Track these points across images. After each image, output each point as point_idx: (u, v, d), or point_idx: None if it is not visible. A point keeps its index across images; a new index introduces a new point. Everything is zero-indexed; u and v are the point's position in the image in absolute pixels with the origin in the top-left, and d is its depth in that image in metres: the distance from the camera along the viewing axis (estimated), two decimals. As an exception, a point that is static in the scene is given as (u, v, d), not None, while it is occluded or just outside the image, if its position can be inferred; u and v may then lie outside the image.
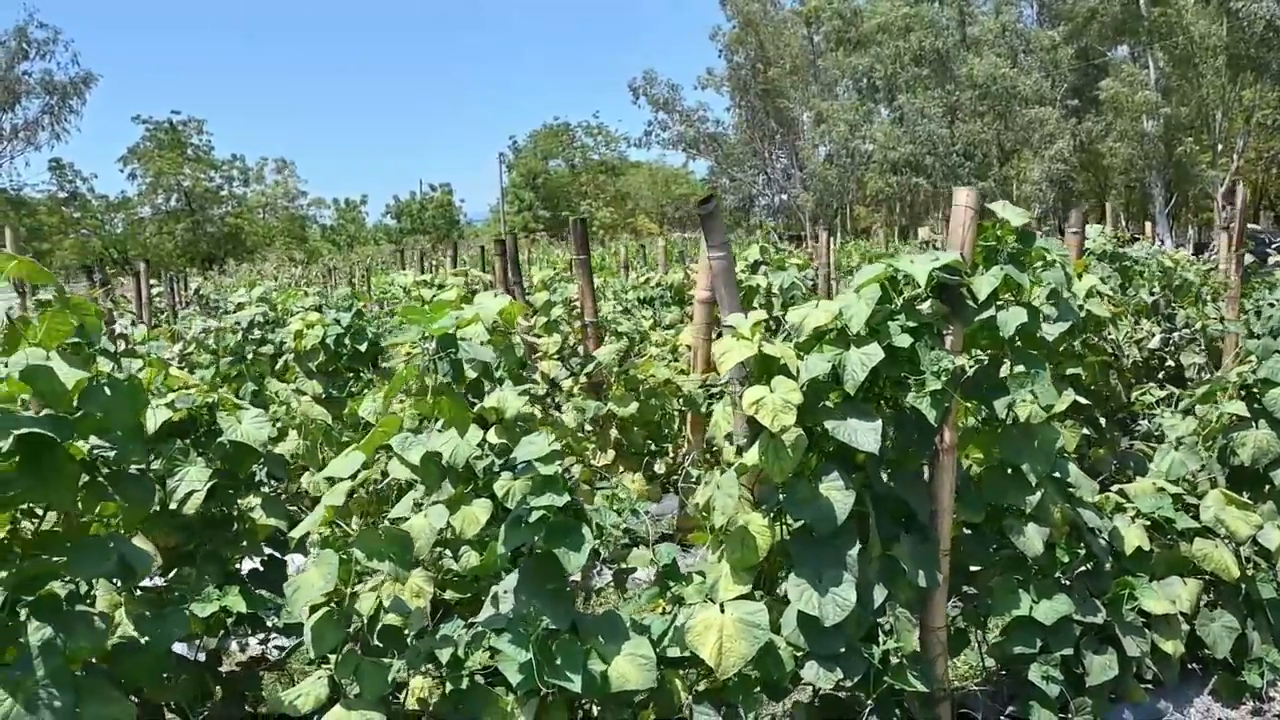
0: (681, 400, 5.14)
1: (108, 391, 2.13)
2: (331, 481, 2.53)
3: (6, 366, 2.00)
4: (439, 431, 2.65)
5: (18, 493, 1.95)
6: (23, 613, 2.08)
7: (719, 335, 5.69)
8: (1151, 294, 6.01)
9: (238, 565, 3.23)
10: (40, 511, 2.21)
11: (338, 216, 68.54)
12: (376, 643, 2.59)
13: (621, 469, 5.12)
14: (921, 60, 36.91)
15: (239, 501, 3.16)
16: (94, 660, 2.26)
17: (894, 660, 2.83)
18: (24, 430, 1.96)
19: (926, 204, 44.69)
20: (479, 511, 2.97)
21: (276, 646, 3.45)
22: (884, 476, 2.94)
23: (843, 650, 2.76)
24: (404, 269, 15.22)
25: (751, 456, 2.71)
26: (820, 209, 51.91)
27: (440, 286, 8.22)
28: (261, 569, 3.26)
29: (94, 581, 2.26)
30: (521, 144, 72.87)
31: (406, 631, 2.61)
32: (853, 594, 2.69)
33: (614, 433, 5.17)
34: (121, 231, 57.90)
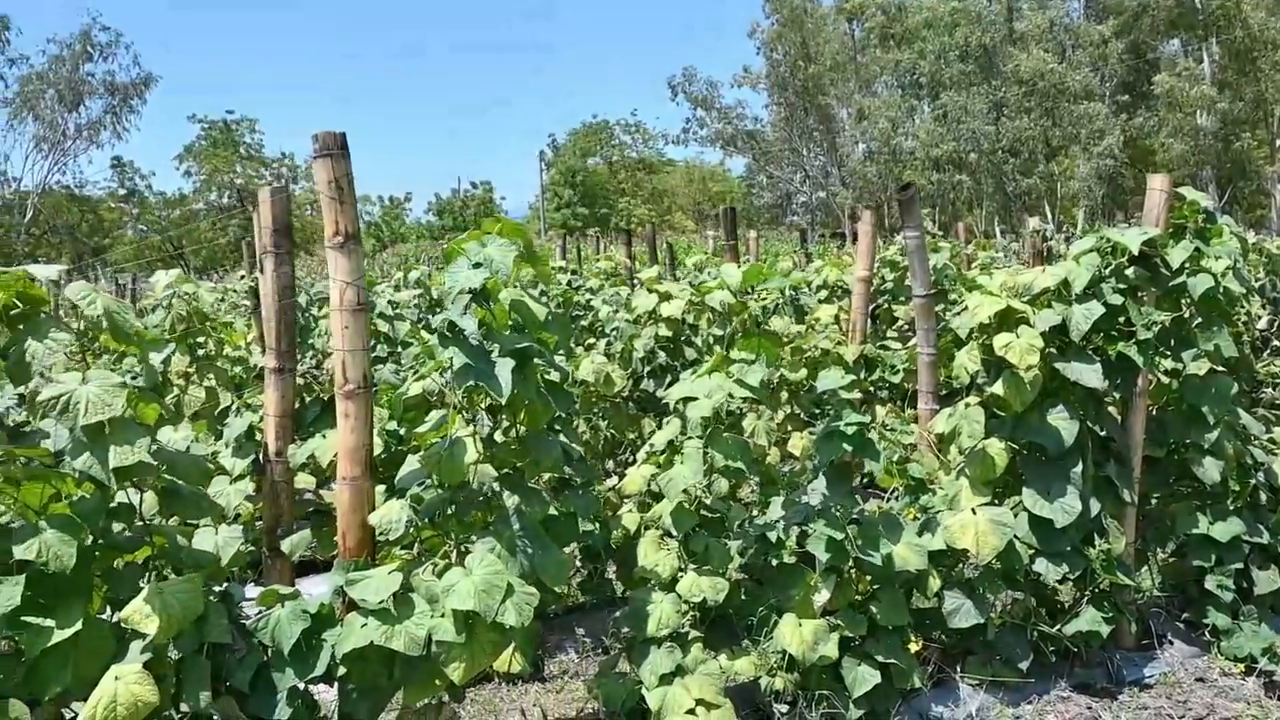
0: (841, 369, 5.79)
1: (553, 322, 2.85)
2: (683, 401, 3.24)
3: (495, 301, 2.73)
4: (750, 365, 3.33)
5: (514, 393, 2.66)
6: (497, 487, 2.80)
7: (877, 309, 6.37)
8: (1257, 279, 6.61)
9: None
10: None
11: (382, 213, 69.46)
12: (700, 530, 3.29)
13: (790, 428, 5.79)
14: (967, 56, 37.11)
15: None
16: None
17: (1104, 561, 3.49)
18: (520, 345, 2.68)
19: (969, 200, 44.86)
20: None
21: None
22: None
23: (1067, 549, 3.43)
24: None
25: (997, 389, 3.38)
26: (859, 206, 52.05)
27: (575, 271, 8.96)
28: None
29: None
30: (561, 142, 73.70)
31: (724, 522, 3.32)
32: (1079, 503, 3.36)
33: (783, 395, 5.84)
34: (178, 229, 59.15)
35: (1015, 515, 3.46)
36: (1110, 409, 3.74)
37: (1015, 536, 3.41)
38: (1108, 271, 3.50)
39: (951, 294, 5.75)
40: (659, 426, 5.41)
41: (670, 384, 5.41)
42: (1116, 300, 3.43)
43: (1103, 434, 3.62)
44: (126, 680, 2.39)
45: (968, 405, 3.49)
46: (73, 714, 2.58)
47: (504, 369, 2.56)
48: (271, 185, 3.51)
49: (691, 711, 2.85)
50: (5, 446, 2.45)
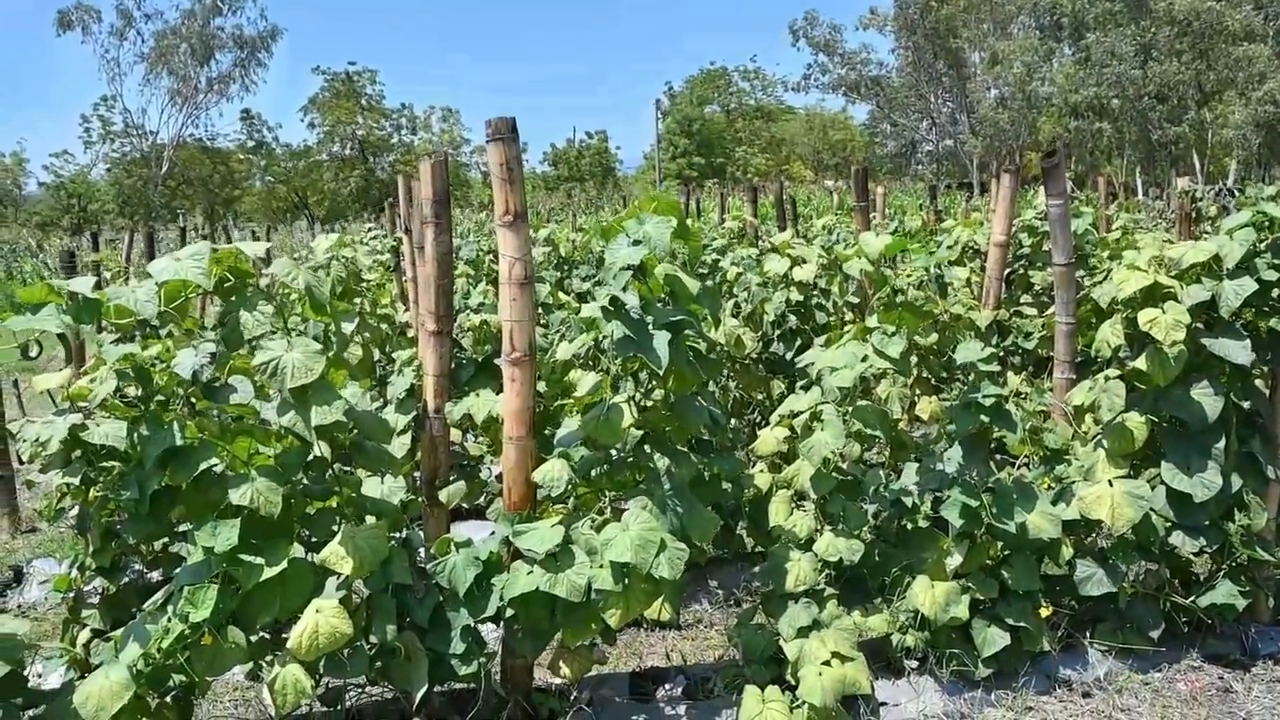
0: (972, 333, 5.75)
1: (704, 295, 3.01)
2: (825, 372, 3.37)
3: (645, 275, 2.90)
4: (894, 338, 3.42)
5: (672, 366, 2.84)
6: (648, 449, 3.01)
7: (1012, 274, 6.27)
8: None
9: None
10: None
11: (499, 164, 70.36)
12: (822, 495, 3.43)
13: (919, 392, 5.81)
14: (1114, -5, 34.92)
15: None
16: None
17: (1243, 536, 3.46)
18: (675, 318, 2.86)
19: (1109, 149, 42.45)
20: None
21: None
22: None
23: (1206, 523, 3.42)
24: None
25: (1139, 364, 3.37)
26: (989, 155, 50.04)
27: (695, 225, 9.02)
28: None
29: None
30: (678, 90, 73.15)
31: (860, 486, 3.45)
32: (1219, 478, 3.33)
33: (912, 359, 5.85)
34: (304, 180, 61.49)
35: (1152, 488, 3.46)
36: (1258, 384, 3.66)
37: (1151, 509, 3.41)
38: (1263, 246, 3.41)
39: (1091, 259, 5.62)
40: (788, 389, 5.54)
41: (800, 348, 5.52)
42: (1271, 276, 3.34)
43: (1248, 409, 3.56)
44: (326, 613, 2.71)
45: (1108, 378, 3.49)
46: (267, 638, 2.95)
47: (661, 341, 2.75)
48: (433, 155, 3.76)
49: (827, 663, 3.02)
50: (224, 405, 2.78)
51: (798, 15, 52.16)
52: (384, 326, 6.02)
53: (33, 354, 2.77)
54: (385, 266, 7.87)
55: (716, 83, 73.16)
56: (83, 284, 2.47)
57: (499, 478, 4.78)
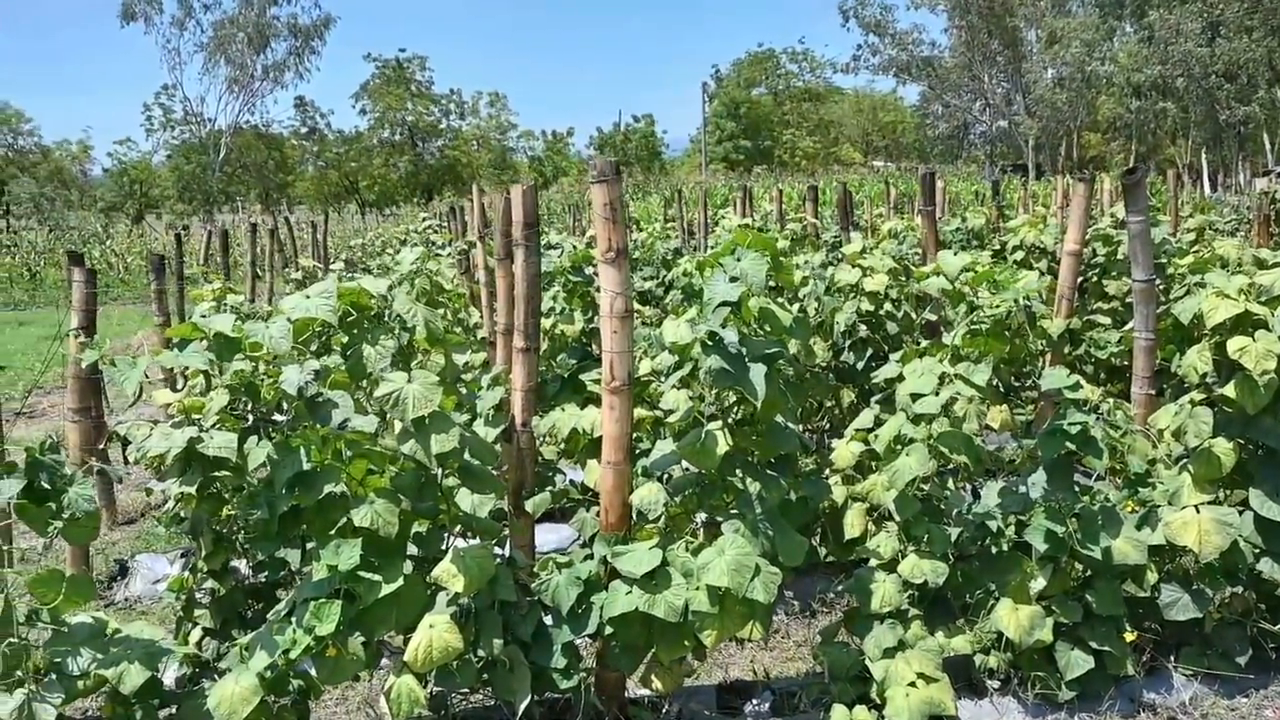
0: (1044, 342, 5.74)
1: (796, 326, 3.10)
2: (913, 398, 3.44)
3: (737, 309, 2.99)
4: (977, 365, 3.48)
5: (765, 390, 2.94)
6: (739, 473, 3.11)
7: (1084, 283, 6.24)
8: None
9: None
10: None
11: (545, 148, 70.85)
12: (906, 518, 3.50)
13: (989, 401, 5.82)
14: (1181, -30, 33.97)
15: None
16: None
17: (1332, 562, 3.46)
18: (769, 351, 2.95)
19: (1173, 130, 41.33)
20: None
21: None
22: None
23: (1295, 550, 3.43)
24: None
25: (1228, 391, 3.38)
26: (1045, 136, 49.07)
27: (761, 229, 9.07)
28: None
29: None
30: (725, 73, 72.68)
31: (941, 508, 3.52)
32: (1309, 506, 3.34)
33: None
34: (355, 165, 62.32)
35: (1240, 513, 3.47)
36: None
37: (1239, 536, 3.43)
38: (1358, 270, 3.40)
39: (1169, 269, 5.57)
40: (858, 398, 5.60)
41: (871, 357, 5.56)
42: (1366, 301, 3.33)
43: (1340, 435, 3.55)
44: (439, 628, 2.87)
45: (1194, 403, 3.50)
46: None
47: (758, 374, 2.84)
48: (524, 184, 3.89)
49: (912, 684, 3.11)
50: (348, 433, 2.93)
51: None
52: (458, 329, 6.18)
53: (178, 387, 2.94)
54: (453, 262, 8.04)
55: (764, 65, 72.53)
56: (223, 323, 2.64)
57: (579, 486, 4.93)
